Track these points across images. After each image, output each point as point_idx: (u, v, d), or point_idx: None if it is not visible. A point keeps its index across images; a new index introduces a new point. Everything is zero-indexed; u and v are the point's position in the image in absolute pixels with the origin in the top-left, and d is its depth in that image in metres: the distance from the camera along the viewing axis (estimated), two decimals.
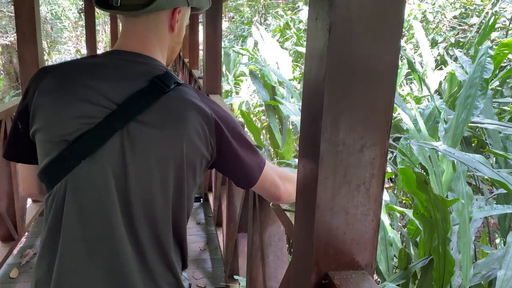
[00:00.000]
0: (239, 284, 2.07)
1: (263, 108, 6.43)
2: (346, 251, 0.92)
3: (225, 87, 7.39)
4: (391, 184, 4.66)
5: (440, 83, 5.34)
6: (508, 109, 4.44)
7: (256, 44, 7.45)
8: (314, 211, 0.88)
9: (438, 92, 5.26)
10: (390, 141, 3.42)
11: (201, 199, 3.99)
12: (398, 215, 3.50)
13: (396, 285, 2.20)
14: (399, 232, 2.96)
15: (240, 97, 6.44)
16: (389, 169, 3.95)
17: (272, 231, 1.59)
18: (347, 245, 0.91)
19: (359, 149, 0.87)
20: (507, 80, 4.86)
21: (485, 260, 2.64)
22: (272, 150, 4.82)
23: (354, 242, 0.91)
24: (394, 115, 3.93)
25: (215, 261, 2.92)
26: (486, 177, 3.23)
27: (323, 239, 0.89)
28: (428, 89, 3.41)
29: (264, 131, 5.81)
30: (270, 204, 1.29)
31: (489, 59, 2.35)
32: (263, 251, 1.57)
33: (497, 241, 3.53)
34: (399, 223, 2.91)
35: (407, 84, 6.44)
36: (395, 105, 3.39)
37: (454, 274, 2.35)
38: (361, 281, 0.89)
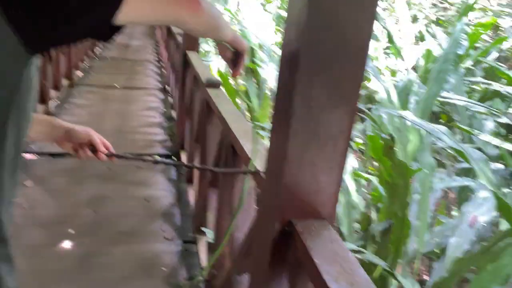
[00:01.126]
0: (207, 237, 2.14)
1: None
2: (310, 201, 0.97)
3: (205, 47, 7.26)
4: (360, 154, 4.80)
5: (418, 59, 5.43)
6: (479, 88, 4.58)
7: (238, 4, 7.30)
8: (283, 162, 0.93)
9: (414, 67, 5.35)
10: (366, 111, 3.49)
11: (173, 157, 4.01)
12: (364, 183, 3.64)
13: (356, 246, 2.33)
14: (363, 198, 3.09)
15: (219, 59, 6.36)
16: (360, 140, 4.07)
17: (241, 185, 1.64)
18: (312, 195, 0.97)
19: (330, 106, 0.91)
20: (480, 60, 4.99)
21: (440, 228, 2.80)
22: (248, 114, 4.84)
23: (318, 193, 0.97)
24: (370, 85, 4.00)
25: (184, 216, 2.98)
26: (448, 150, 3.37)
27: (290, 189, 0.95)
28: (405, 63, 3.48)
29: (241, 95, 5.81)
30: None
31: (464, 35, 2.41)
32: (231, 205, 1.63)
33: (454, 213, 3.73)
34: (364, 190, 3.04)
35: (385, 58, 6.51)
36: (371, 76, 3.45)
37: (410, 239, 2.50)
38: (322, 229, 0.95)
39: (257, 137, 1.60)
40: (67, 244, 2.50)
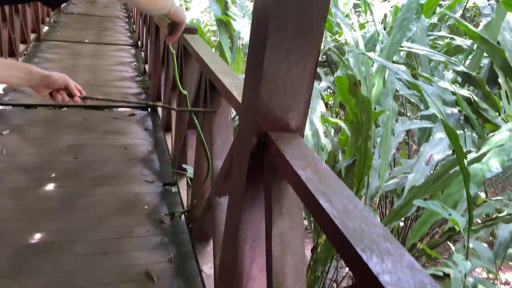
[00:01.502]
0: (187, 173, 2.29)
1: (214, 28, 6.39)
2: (283, 116, 1.13)
3: (176, 1, 7.14)
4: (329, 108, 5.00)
5: (385, 15, 5.59)
6: (442, 43, 4.80)
7: None
8: (260, 81, 1.07)
9: (383, 23, 5.51)
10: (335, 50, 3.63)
11: (149, 109, 4.09)
12: (332, 132, 3.85)
13: None
14: (331, 142, 3.30)
15: (190, 13, 6.31)
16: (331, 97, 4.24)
17: (220, 121, 1.78)
18: (284, 111, 1.12)
19: (300, 33, 1.05)
20: (446, 18, 5.19)
21: (400, 167, 3.06)
22: None
23: (289, 109, 1.12)
24: (340, 39, 4.14)
25: (162, 162, 3.11)
26: (410, 98, 3.60)
27: (265, 104, 1.10)
28: (372, 15, 3.62)
29: (213, 49, 5.83)
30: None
31: None
32: (211, 138, 1.78)
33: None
34: (331, 135, 3.25)
35: (357, 15, 6.62)
36: (342, 29, 3.58)
37: (372, 177, 2.74)
38: (292, 138, 1.12)
39: (234, 72, 1.73)
40: (50, 187, 2.61)
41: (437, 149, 2.77)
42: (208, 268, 1.89)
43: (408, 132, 4.71)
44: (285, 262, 1.08)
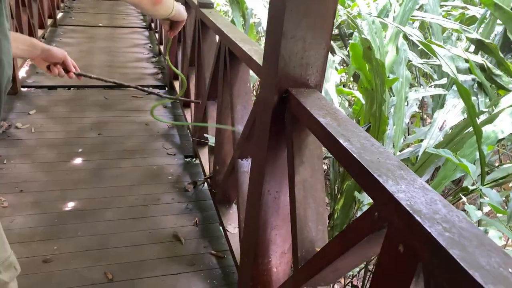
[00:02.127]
0: (208, 143, 2.40)
1: (225, 8, 6.41)
2: (302, 73, 1.21)
3: None
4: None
5: None
6: (456, 13, 4.77)
7: None
8: (280, 40, 1.15)
9: None
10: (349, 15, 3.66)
11: (166, 87, 4.20)
12: (347, 104, 3.91)
13: None
14: (347, 113, 3.37)
15: None
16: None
17: (240, 86, 1.87)
18: (303, 68, 1.21)
19: None
20: None
21: (414, 135, 3.13)
22: None
23: (308, 66, 1.21)
24: (352, 11, 4.16)
25: (182, 136, 3.23)
26: (424, 68, 3.63)
27: (285, 62, 1.18)
28: None
29: None
30: None
31: None
32: (232, 104, 1.87)
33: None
34: (346, 107, 3.31)
35: None
36: (355, 1, 3.61)
37: (388, 146, 2.81)
38: (311, 93, 1.20)
39: (252, 39, 1.81)
40: (78, 161, 2.75)
41: (451, 115, 2.83)
42: (232, 228, 2.00)
43: (422, 106, 4.75)
44: (307, 206, 1.18)
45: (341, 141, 0.93)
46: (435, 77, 3.80)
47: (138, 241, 2.08)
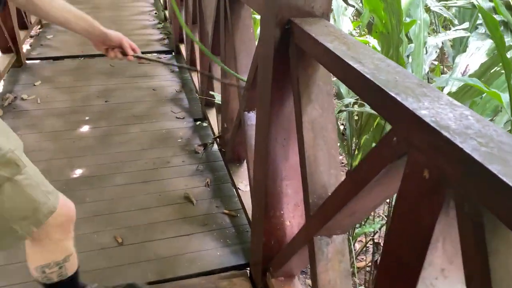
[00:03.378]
0: (215, 101, 2.29)
1: None
2: (306, 1, 1.07)
3: None
4: None
5: None
6: None
7: None
8: None
9: None
10: None
11: (173, 52, 4.06)
12: None
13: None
14: None
15: None
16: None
17: (243, 33, 1.73)
18: None
19: None
20: None
21: (434, 83, 2.94)
22: None
23: None
24: None
25: (191, 100, 3.12)
26: (438, 5, 3.39)
27: None
28: None
29: None
30: None
31: None
32: (235, 53, 1.74)
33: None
34: None
35: None
36: None
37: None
38: (317, 21, 1.06)
39: None
40: (85, 128, 2.68)
41: (474, 58, 2.63)
42: (243, 186, 1.91)
43: (442, 59, 4.50)
44: (317, 148, 1.07)
45: (351, 63, 0.80)
46: (456, 22, 3.56)
47: (148, 204, 2.02)
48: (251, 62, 1.52)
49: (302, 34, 1.01)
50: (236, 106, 2.04)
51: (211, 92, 2.25)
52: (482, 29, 3.29)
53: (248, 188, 1.88)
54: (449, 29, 4.18)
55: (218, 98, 2.18)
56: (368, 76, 0.73)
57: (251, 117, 1.67)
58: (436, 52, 3.21)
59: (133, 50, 1.39)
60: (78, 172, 2.24)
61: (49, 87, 3.19)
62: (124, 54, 1.37)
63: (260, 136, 1.32)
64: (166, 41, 4.38)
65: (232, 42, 1.78)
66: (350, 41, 0.91)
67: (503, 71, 2.01)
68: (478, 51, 2.66)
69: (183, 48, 3.73)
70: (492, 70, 2.01)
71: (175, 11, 1.57)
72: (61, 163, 2.30)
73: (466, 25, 3.36)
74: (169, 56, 3.98)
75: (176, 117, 2.87)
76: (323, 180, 1.07)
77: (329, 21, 1.12)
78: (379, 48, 2.42)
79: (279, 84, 1.18)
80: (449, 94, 2.12)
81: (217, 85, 2.34)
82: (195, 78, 3.16)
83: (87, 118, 2.79)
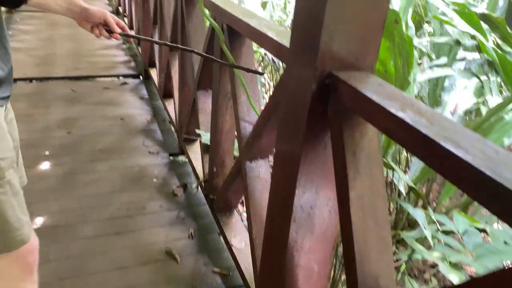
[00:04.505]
0: (200, 140, 2.06)
1: None
2: (351, 49, 0.89)
3: None
4: None
5: None
6: None
7: None
8: (324, 4, 0.83)
9: None
10: None
11: (141, 77, 3.79)
12: None
13: None
14: None
15: None
16: None
17: (243, 72, 1.54)
18: (352, 43, 0.89)
19: None
20: None
21: None
22: None
23: (360, 40, 0.89)
24: None
25: (164, 131, 2.86)
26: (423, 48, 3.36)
27: (331, 33, 0.86)
28: None
29: None
30: None
31: None
32: (234, 93, 1.54)
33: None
34: None
35: None
36: None
37: None
38: (365, 77, 0.89)
39: (256, 14, 1.47)
40: (45, 166, 2.35)
41: (463, 97, 2.59)
42: (237, 242, 1.69)
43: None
44: (367, 230, 0.88)
45: (448, 147, 0.62)
46: (433, 56, 3.56)
47: (124, 262, 1.73)
48: (263, 110, 1.32)
49: (354, 95, 0.83)
50: (229, 148, 1.82)
51: (197, 131, 2.02)
52: (461, 65, 3.30)
53: (243, 245, 1.66)
54: (428, 57, 4.19)
55: (206, 138, 1.95)
56: (488, 172, 0.55)
57: (255, 168, 1.46)
58: (416, 87, 3.17)
59: (121, 28, 1.27)
60: (38, 221, 1.92)
61: None
62: (110, 32, 1.25)
63: (278, 201, 1.12)
64: (132, 64, 4.10)
65: (230, 80, 1.58)
66: (425, 110, 0.74)
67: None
68: (465, 89, 2.62)
69: (153, 73, 3.47)
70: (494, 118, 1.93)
71: None
72: None
73: (444, 60, 3.36)
74: (136, 81, 3.70)
75: (149, 152, 2.60)
76: (374, 269, 0.88)
77: (373, 71, 0.95)
78: None
79: (310, 144, 0.99)
80: None
81: (203, 120, 2.11)
82: (170, 106, 2.92)
83: (47, 153, 2.46)
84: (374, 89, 0.82)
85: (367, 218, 0.88)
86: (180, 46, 1.44)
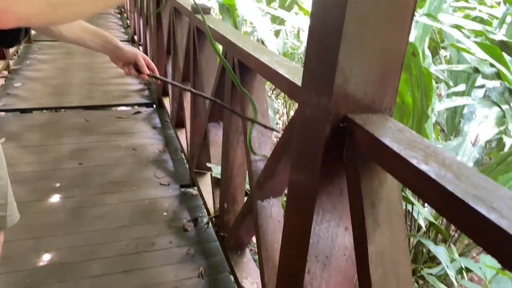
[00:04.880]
0: (211, 173, 2.00)
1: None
2: (367, 91, 0.84)
3: None
4: None
5: None
6: (460, 14, 4.49)
7: None
8: (338, 42, 0.78)
9: None
10: None
11: (154, 105, 3.79)
12: None
13: None
14: None
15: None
16: None
17: (256, 105, 1.49)
18: (369, 84, 0.83)
19: None
20: None
21: (442, 148, 2.77)
22: None
23: (378, 81, 0.83)
24: None
25: (176, 161, 2.83)
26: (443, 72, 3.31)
27: (345, 75, 0.81)
28: None
29: None
30: None
31: None
32: (245, 128, 1.49)
33: (441, 141, 3.74)
34: None
35: None
36: None
37: None
38: (383, 120, 0.83)
39: (268, 49, 1.44)
40: (55, 199, 2.32)
41: (484, 127, 2.49)
42: (249, 284, 1.60)
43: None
44: None
45: (481, 210, 0.55)
46: (451, 83, 3.48)
47: None
48: (274, 148, 1.27)
49: (370, 142, 0.77)
50: (240, 182, 1.77)
51: (208, 164, 1.97)
52: (480, 92, 3.21)
53: (255, 287, 1.57)
54: (446, 85, 4.12)
55: (216, 171, 1.90)
56: None
57: (267, 207, 1.39)
58: (434, 115, 3.09)
59: (151, 70, 1.31)
60: (46, 258, 1.87)
61: (14, 146, 2.82)
62: (139, 71, 1.29)
63: (291, 249, 1.05)
64: (146, 92, 4.12)
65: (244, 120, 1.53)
66: (450, 162, 0.67)
67: None
68: (486, 119, 2.53)
69: (167, 101, 3.47)
70: None
71: None
72: (25, 246, 1.93)
73: (462, 87, 3.28)
74: (150, 109, 3.70)
75: (160, 184, 2.55)
76: None
77: (391, 114, 0.89)
78: None
79: (326, 188, 0.92)
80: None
81: (213, 152, 2.07)
82: (182, 136, 2.89)
83: (57, 185, 2.44)
84: (393, 135, 0.76)
85: (388, 276, 0.80)
86: (206, 95, 1.44)
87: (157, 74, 1.32)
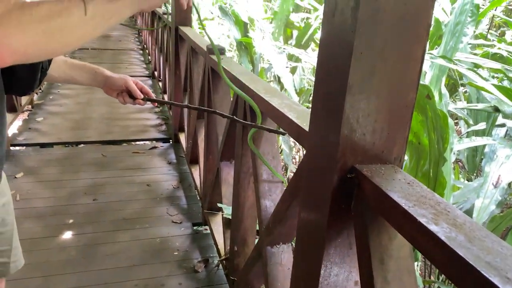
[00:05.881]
0: (222, 213, 1.97)
1: (229, 54, 6.19)
2: (375, 141, 0.81)
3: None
4: None
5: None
6: (478, 51, 4.46)
7: None
8: (344, 93, 0.76)
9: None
10: None
11: (171, 140, 3.83)
12: None
13: None
14: None
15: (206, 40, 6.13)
16: None
17: (266, 149, 1.47)
18: (377, 134, 0.81)
19: (401, 16, 0.75)
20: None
21: (461, 191, 2.69)
22: None
23: (386, 131, 0.81)
24: None
25: (190, 198, 2.81)
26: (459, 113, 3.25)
27: (352, 126, 0.79)
28: None
29: None
30: None
31: None
32: (256, 171, 1.47)
33: (462, 180, 3.63)
34: None
35: None
36: None
37: None
38: (392, 172, 0.80)
39: (279, 91, 1.43)
40: (68, 235, 2.32)
41: (506, 168, 2.41)
42: None
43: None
44: None
45: (495, 281, 0.51)
46: (470, 122, 3.41)
47: None
48: (283, 194, 1.24)
49: (376, 193, 0.74)
50: (251, 224, 1.73)
51: (219, 205, 1.95)
52: (502, 131, 3.13)
53: None
54: (466, 123, 4.03)
55: (227, 212, 1.87)
56: None
57: (277, 254, 1.35)
58: (453, 154, 3.01)
59: (145, 93, 1.25)
60: None
61: (31, 181, 2.87)
62: (134, 98, 1.23)
63: None
64: (163, 127, 4.17)
65: (252, 156, 1.52)
66: (461, 221, 0.63)
67: None
68: (508, 160, 2.45)
69: (182, 137, 3.50)
70: None
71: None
72: (34, 284, 1.91)
73: (482, 125, 3.21)
74: (166, 145, 3.73)
75: (173, 221, 2.53)
76: None
77: (402, 166, 0.86)
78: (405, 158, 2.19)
79: (333, 240, 0.88)
80: (497, 218, 1.85)
81: (225, 192, 2.04)
82: (196, 173, 2.88)
83: (71, 221, 2.44)
84: (402, 189, 0.73)
85: None
86: (200, 107, 1.42)
87: (153, 97, 1.27)
